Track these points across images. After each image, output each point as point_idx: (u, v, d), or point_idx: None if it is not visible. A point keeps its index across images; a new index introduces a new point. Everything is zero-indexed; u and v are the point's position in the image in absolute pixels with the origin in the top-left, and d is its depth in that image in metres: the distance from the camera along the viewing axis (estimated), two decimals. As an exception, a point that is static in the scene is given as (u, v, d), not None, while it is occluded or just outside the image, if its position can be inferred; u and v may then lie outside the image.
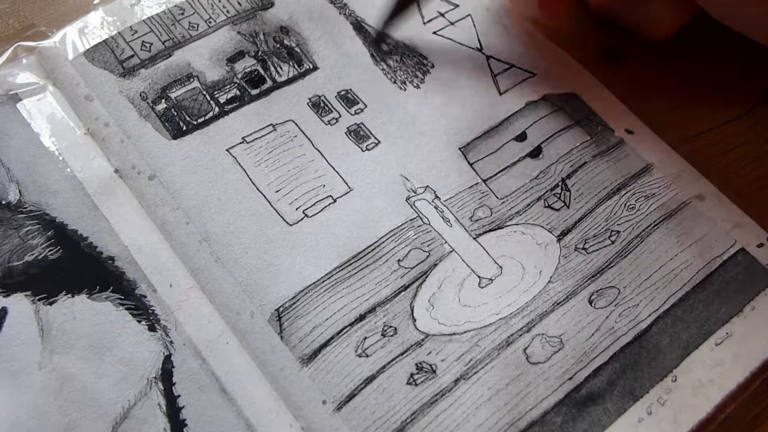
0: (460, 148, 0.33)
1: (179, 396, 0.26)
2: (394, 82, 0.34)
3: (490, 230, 0.31)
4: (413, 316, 0.28)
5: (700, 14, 0.34)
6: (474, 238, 0.30)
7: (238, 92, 0.33)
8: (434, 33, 0.36)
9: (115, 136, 0.31)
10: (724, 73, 0.35)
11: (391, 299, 0.29)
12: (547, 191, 0.32)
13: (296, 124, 0.32)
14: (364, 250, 0.30)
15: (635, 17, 0.35)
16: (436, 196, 0.31)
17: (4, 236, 0.28)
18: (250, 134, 0.32)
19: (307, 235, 0.30)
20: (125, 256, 0.29)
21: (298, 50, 0.34)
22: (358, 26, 0.35)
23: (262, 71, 0.33)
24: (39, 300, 0.27)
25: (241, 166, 0.31)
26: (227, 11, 0.34)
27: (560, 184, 0.32)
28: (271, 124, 0.32)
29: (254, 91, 0.33)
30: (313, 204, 0.30)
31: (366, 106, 0.33)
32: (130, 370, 0.27)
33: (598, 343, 0.28)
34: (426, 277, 0.29)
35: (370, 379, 0.27)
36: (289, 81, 0.33)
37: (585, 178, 0.32)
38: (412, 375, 0.27)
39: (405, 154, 0.32)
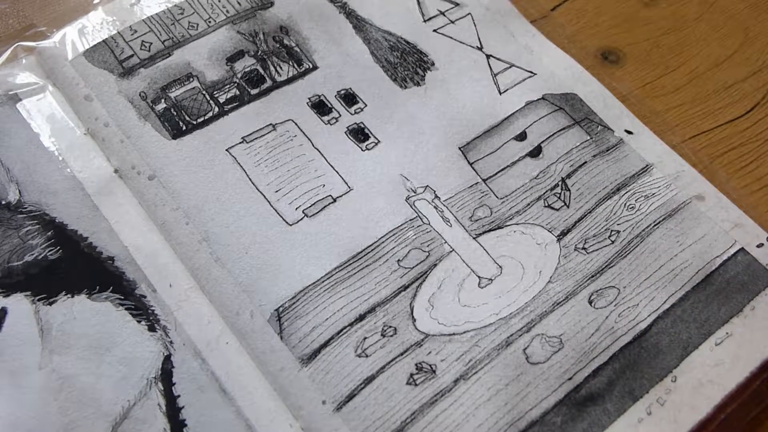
0: (460, 148, 0.33)
1: (179, 396, 0.26)
2: (395, 80, 0.34)
3: (490, 230, 0.31)
4: (413, 316, 0.28)
5: None
6: (474, 238, 0.30)
7: (237, 92, 0.33)
8: (434, 31, 0.36)
9: (115, 136, 0.31)
10: (724, 74, 0.35)
11: (391, 299, 0.29)
12: (547, 191, 0.32)
13: (296, 124, 0.32)
14: (363, 250, 0.30)
15: None
16: (436, 196, 0.31)
17: (4, 236, 0.28)
18: (250, 134, 0.32)
19: (306, 235, 0.30)
20: (125, 256, 0.29)
21: (298, 50, 0.34)
22: (358, 25, 0.35)
23: (261, 71, 0.33)
24: (39, 300, 0.27)
25: (241, 166, 0.31)
26: (227, 11, 0.34)
27: (560, 183, 0.32)
28: (270, 124, 0.32)
29: (254, 91, 0.33)
30: (313, 204, 0.30)
31: (366, 105, 0.33)
32: (130, 370, 0.27)
33: (597, 343, 0.28)
34: (426, 277, 0.29)
35: (369, 380, 0.27)
36: (289, 80, 0.33)
37: (585, 177, 0.32)
38: (411, 375, 0.27)
39: (405, 154, 0.32)
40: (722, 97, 0.36)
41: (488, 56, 0.35)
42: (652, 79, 0.36)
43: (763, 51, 0.37)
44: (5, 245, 0.28)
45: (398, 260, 0.30)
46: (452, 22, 0.36)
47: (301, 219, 0.30)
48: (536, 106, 0.34)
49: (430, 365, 0.28)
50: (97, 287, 0.28)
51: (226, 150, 0.31)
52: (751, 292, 0.30)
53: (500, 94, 0.34)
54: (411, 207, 0.31)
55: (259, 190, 0.30)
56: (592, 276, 0.30)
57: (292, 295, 0.28)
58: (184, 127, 0.31)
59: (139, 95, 0.32)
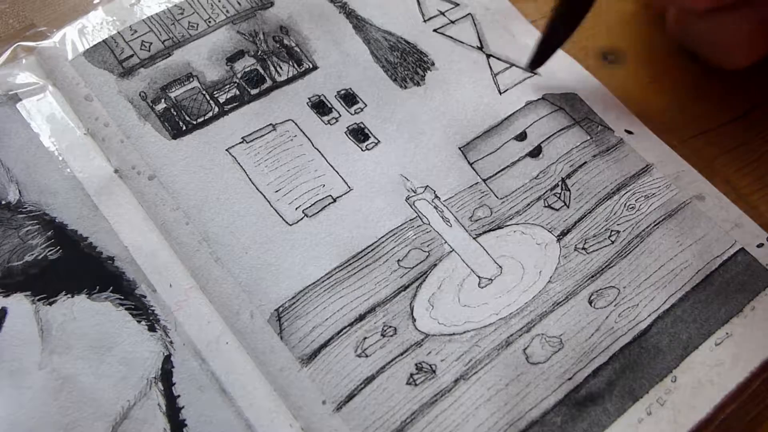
0: (460, 148, 0.33)
1: (179, 396, 0.26)
2: (395, 80, 0.34)
3: (490, 230, 0.31)
4: (413, 316, 0.28)
5: None
6: (474, 238, 0.30)
7: (237, 92, 0.33)
8: (434, 31, 0.36)
9: (115, 136, 0.31)
10: (725, 74, 0.35)
11: (391, 299, 0.29)
12: (547, 191, 0.32)
13: (296, 124, 0.32)
14: (363, 250, 0.30)
15: (711, 45, 0.34)
16: (436, 196, 0.31)
17: (4, 236, 0.28)
18: (250, 134, 0.32)
19: (306, 235, 0.30)
20: (125, 256, 0.29)
21: (298, 50, 0.34)
22: (358, 25, 0.35)
23: (261, 71, 0.33)
24: (39, 300, 0.27)
25: (241, 166, 0.31)
26: (227, 11, 0.34)
27: (560, 183, 0.32)
28: (270, 124, 0.32)
29: (254, 91, 0.33)
30: (313, 204, 0.30)
31: (366, 105, 0.33)
32: (130, 370, 0.27)
33: (597, 343, 0.28)
34: (426, 277, 0.29)
35: (369, 380, 0.27)
36: (289, 80, 0.33)
37: (585, 177, 0.32)
38: (411, 375, 0.27)
39: (405, 154, 0.32)
40: (723, 97, 0.36)
41: (488, 56, 0.35)
42: (652, 78, 0.36)
43: (764, 51, 0.37)
44: (5, 245, 0.28)
45: (398, 260, 0.30)
46: (452, 22, 0.36)
47: (301, 219, 0.30)
48: (536, 106, 0.34)
49: (430, 365, 0.28)
50: (97, 287, 0.28)
51: (226, 150, 0.31)
52: (751, 292, 0.30)
53: (500, 94, 0.34)
54: (411, 207, 0.31)
55: (259, 190, 0.30)
56: (592, 276, 0.30)
57: (292, 295, 0.28)
58: (184, 127, 0.31)
59: (139, 95, 0.32)
